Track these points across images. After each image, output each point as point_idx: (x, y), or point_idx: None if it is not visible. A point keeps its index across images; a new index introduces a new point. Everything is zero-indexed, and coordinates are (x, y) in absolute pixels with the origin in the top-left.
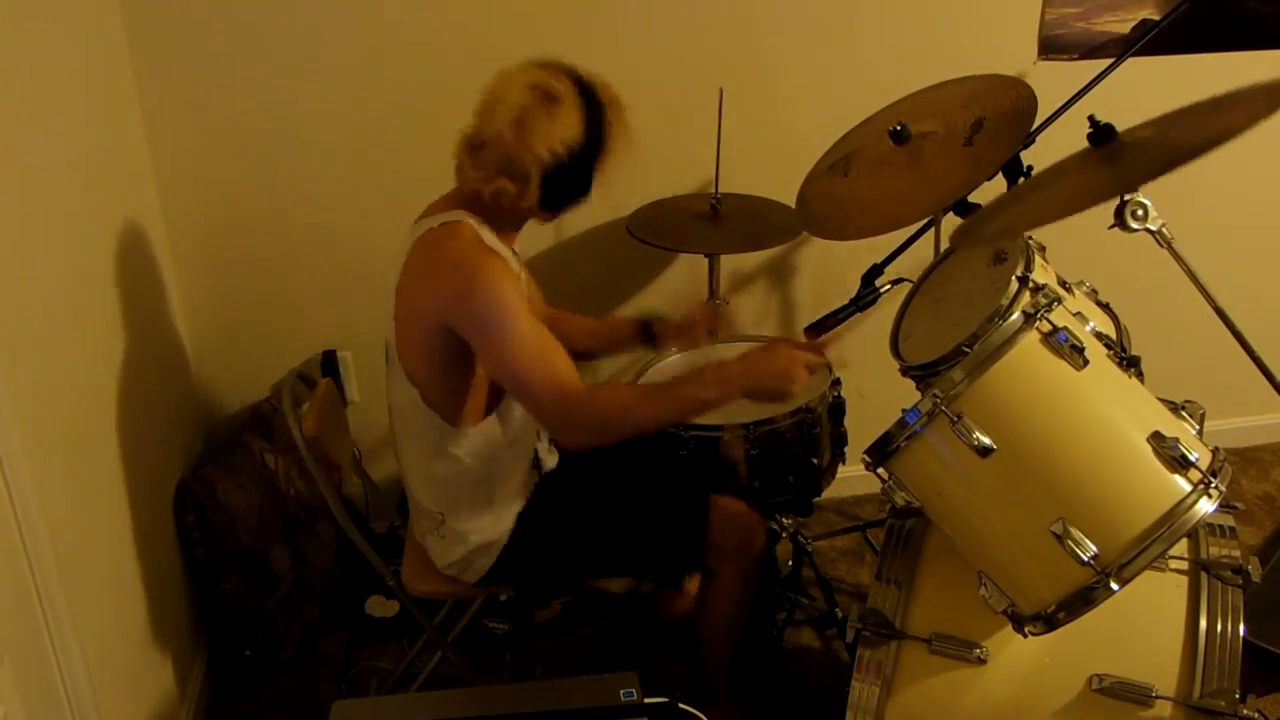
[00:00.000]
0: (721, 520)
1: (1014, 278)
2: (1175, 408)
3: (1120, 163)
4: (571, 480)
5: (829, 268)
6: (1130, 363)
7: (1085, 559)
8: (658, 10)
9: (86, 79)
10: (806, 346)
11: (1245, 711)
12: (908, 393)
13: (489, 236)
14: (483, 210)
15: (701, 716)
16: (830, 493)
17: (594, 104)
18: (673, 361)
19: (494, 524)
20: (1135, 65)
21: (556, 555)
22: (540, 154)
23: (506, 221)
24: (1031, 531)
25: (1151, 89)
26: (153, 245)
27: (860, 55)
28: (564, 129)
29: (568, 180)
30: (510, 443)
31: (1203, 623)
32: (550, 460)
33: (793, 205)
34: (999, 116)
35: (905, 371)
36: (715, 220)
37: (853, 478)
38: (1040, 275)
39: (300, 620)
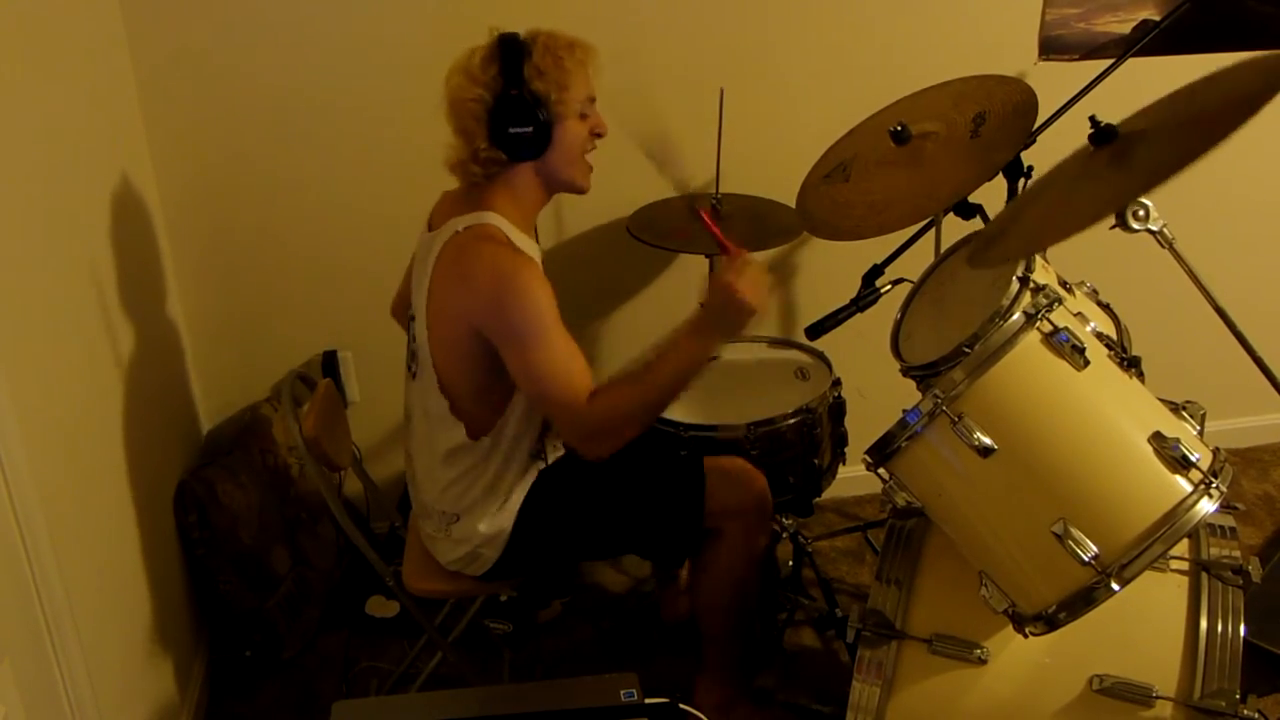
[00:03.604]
0: (717, 478)
1: (1015, 278)
2: (1176, 408)
3: (1128, 165)
4: (572, 465)
5: (829, 268)
6: (1131, 363)
7: (1086, 559)
8: (658, 11)
9: (86, 79)
10: (733, 261)
11: (1246, 712)
12: (908, 393)
13: (515, 233)
14: (499, 203)
15: (702, 717)
16: (831, 493)
17: (509, 42)
18: None
19: (501, 514)
20: (1136, 66)
21: (560, 538)
22: (471, 105)
23: (521, 205)
24: (1032, 532)
25: (1152, 89)
26: (153, 246)
27: (861, 55)
28: (481, 69)
29: (509, 114)
30: (517, 437)
31: (1203, 623)
32: (554, 453)
33: (793, 205)
34: (1000, 116)
35: (906, 372)
36: (716, 221)
37: (853, 478)
38: (1041, 275)
39: (300, 620)
